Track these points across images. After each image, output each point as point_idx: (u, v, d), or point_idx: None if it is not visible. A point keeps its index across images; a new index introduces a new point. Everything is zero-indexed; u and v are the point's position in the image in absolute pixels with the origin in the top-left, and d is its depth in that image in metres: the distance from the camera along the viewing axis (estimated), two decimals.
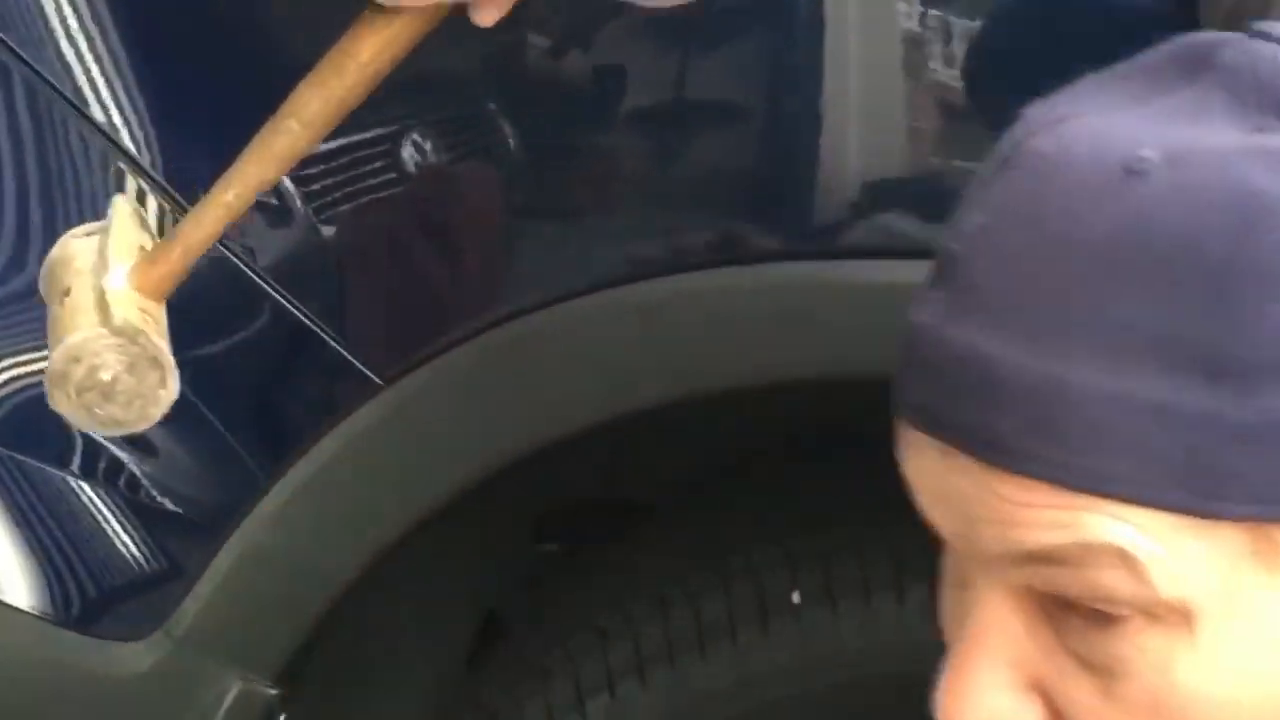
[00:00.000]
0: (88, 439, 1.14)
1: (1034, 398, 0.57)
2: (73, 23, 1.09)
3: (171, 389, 0.85)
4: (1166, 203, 0.57)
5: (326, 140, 0.91)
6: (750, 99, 1.05)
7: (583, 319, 1.03)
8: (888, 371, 0.87)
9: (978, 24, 1.00)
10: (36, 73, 1.10)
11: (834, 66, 1.01)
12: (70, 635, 1.11)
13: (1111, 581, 0.58)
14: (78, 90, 1.10)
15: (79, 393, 0.85)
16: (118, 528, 1.14)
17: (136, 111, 1.11)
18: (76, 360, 0.84)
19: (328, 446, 1.03)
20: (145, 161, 1.13)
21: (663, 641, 1.11)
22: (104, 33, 1.11)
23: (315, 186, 1.05)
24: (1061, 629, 0.62)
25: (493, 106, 1.06)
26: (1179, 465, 0.57)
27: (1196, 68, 0.61)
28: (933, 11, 1.00)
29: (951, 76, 1.01)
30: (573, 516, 1.37)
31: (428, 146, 1.06)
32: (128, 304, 0.85)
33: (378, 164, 1.05)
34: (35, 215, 1.12)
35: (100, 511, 1.14)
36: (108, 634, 1.12)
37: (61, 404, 0.85)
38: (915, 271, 0.84)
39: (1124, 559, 0.57)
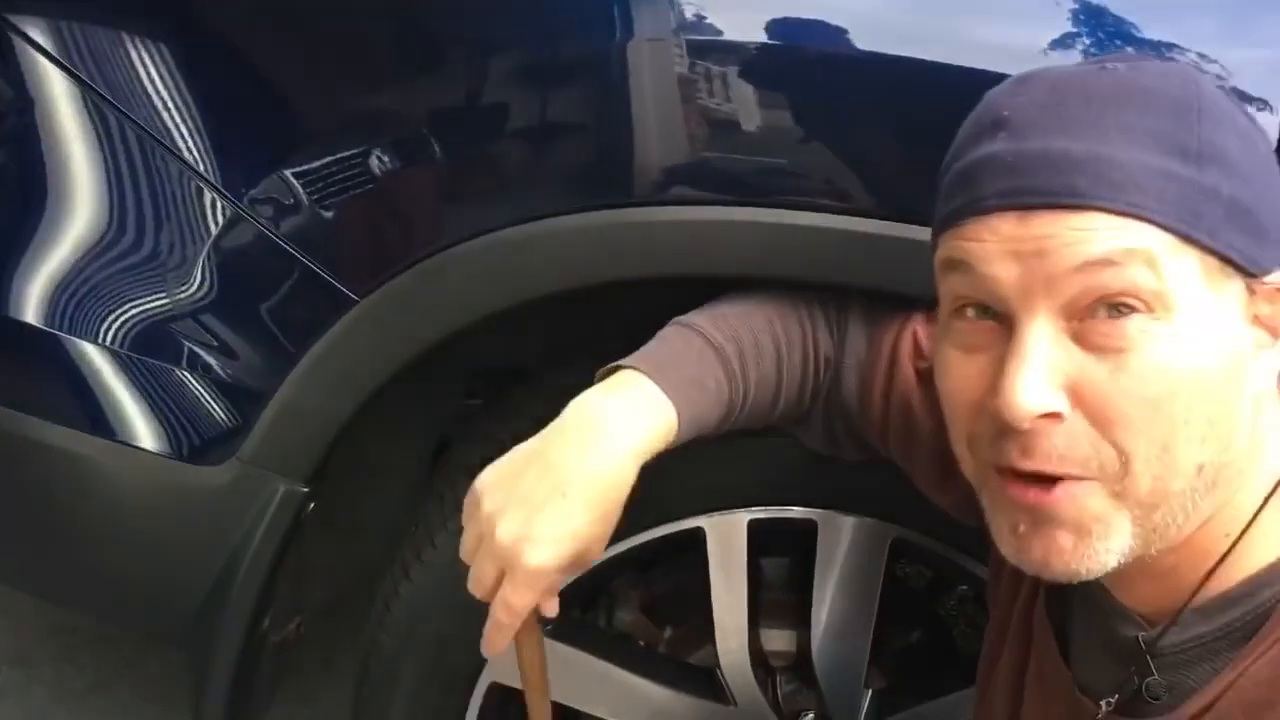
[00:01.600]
0: (189, 348, 1.39)
1: (1094, 164, 0.81)
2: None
3: None
4: (1137, 77, 0.85)
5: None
6: (583, 113, 1.26)
7: (485, 248, 1.28)
8: (666, 275, 1.22)
9: (726, 70, 1.19)
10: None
11: (637, 91, 1.22)
12: (177, 464, 1.42)
13: (1139, 277, 0.81)
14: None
15: None
16: (207, 395, 1.41)
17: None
18: None
19: (330, 334, 1.31)
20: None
21: None
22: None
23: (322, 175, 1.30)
24: (1083, 335, 0.83)
25: (428, 127, 1.28)
26: (1177, 205, 0.82)
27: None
28: (696, 61, 1.20)
29: (710, 101, 1.21)
30: (489, 378, 1.64)
31: (388, 158, 1.29)
32: None
33: (357, 169, 1.29)
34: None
35: (197, 386, 1.41)
36: (205, 462, 1.42)
37: None
38: (692, 214, 1.22)
39: (1148, 260, 0.81)
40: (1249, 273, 0.85)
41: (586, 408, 1.11)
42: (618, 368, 1.14)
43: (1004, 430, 0.85)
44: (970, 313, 0.88)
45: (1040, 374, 0.82)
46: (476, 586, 1.07)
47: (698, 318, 1.19)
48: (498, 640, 1.09)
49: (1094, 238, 0.81)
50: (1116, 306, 0.82)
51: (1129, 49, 1.19)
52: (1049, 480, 0.85)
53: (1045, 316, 0.83)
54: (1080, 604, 1.02)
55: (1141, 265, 0.81)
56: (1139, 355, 0.82)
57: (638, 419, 1.10)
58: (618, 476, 1.07)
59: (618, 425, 1.09)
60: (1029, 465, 0.85)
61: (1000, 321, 0.87)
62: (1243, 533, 0.88)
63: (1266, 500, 0.89)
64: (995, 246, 0.84)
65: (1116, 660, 0.97)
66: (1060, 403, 0.83)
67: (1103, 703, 0.96)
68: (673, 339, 1.18)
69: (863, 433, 1.26)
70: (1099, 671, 0.99)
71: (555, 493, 1.05)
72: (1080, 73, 0.86)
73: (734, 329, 1.18)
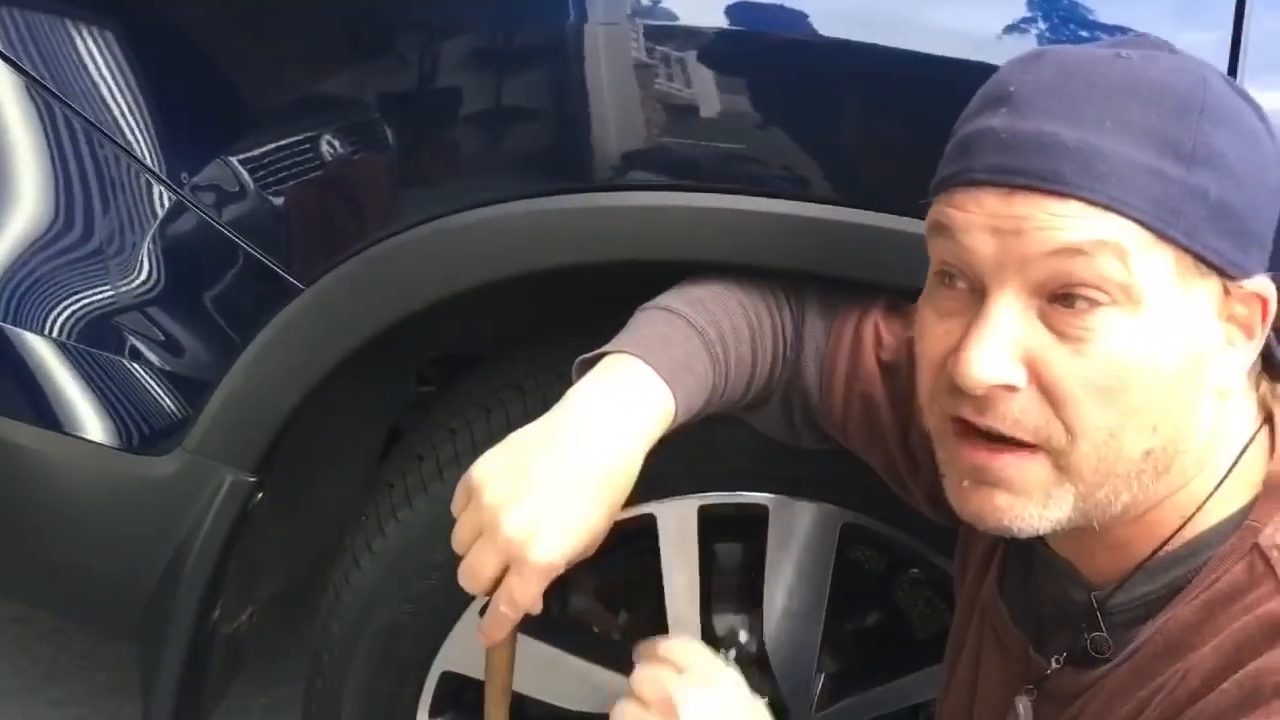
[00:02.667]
0: (134, 338, 1.38)
1: (1083, 153, 0.82)
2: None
3: None
4: (1148, 69, 0.84)
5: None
6: (536, 99, 1.26)
7: (434, 234, 1.27)
8: (619, 261, 1.22)
9: (685, 55, 1.19)
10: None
11: (592, 76, 1.22)
12: (124, 455, 1.42)
13: (1108, 269, 0.82)
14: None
15: None
16: (153, 385, 1.41)
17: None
18: None
19: (276, 322, 1.31)
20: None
21: (487, 433, 1.37)
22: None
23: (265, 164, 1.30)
24: (1048, 315, 0.84)
25: (378, 113, 1.27)
26: (1158, 202, 0.82)
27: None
28: (654, 46, 1.20)
29: (666, 86, 1.21)
30: (443, 364, 1.65)
31: (338, 144, 1.28)
32: None
33: (303, 155, 1.29)
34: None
35: (142, 376, 1.40)
36: (148, 452, 1.42)
37: None
38: (647, 200, 1.22)
39: (1119, 253, 0.82)
40: (1226, 274, 0.86)
41: (592, 394, 1.07)
42: (602, 354, 1.11)
43: (961, 389, 0.88)
44: (949, 279, 0.90)
45: (1000, 346, 0.85)
46: (473, 579, 1.02)
47: (675, 301, 1.18)
48: (497, 633, 1.05)
49: (1069, 225, 0.83)
50: (1084, 297, 0.83)
51: (1083, 33, 1.19)
52: (999, 441, 0.88)
53: (1014, 292, 0.85)
54: (1042, 573, 1.05)
55: (1111, 257, 0.82)
56: (1098, 345, 0.84)
57: (643, 404, 1.08)
58: (632, 464, 1.05)
59: (627, 412, 1.06)
60: (982, 421, 0.88)
61: (974, 290, 0.89)
62: (1194, 513, 0.91)
63: (1219, 485, 0.91)
64: (978, 218, 0.85)
65: (1071, 623, 0.99)
66: (1017, 375, 0.85)
67: (1053, 659, 1.00)
68: (656, 323, 1.15)
69: (823, 423, 1.25)
70: (1055, 634, 1.02)
71: (573, 482, 1.01)
72: (1093, 58, 0.86)
73: (712, 313, 1.17)
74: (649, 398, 1.08)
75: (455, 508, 1.04)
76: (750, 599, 1.52)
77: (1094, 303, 0.83)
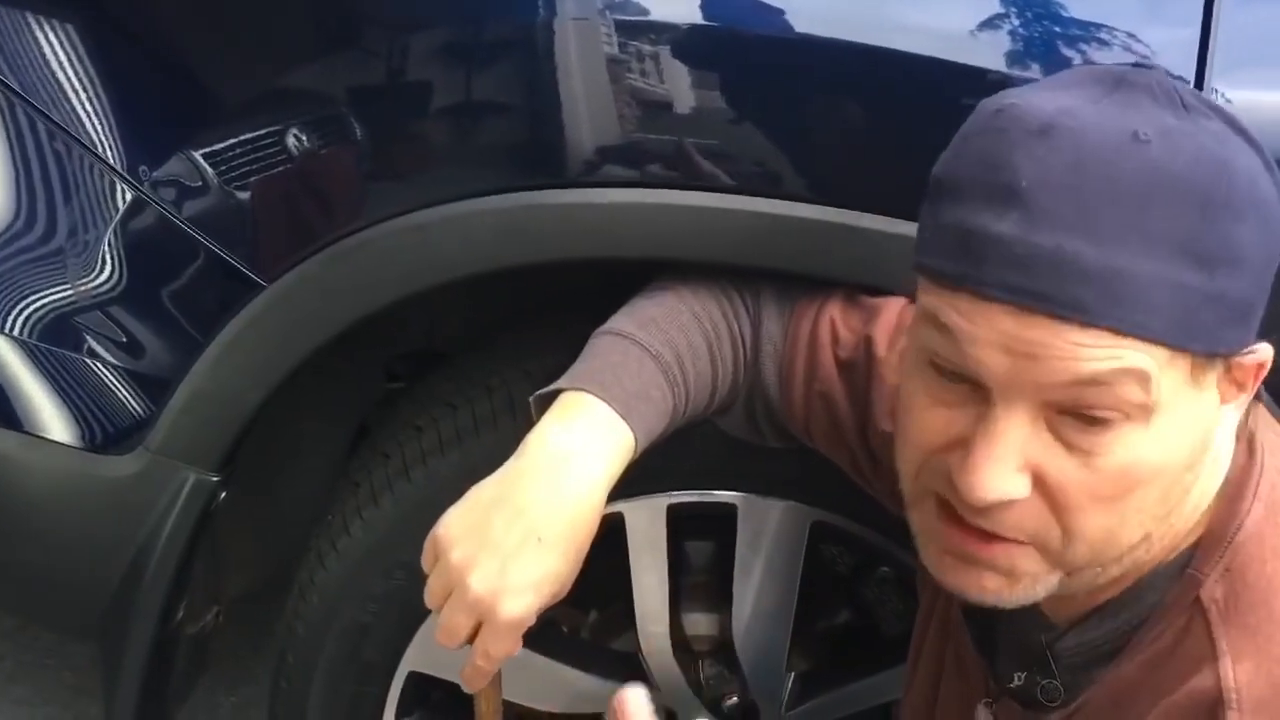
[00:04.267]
0: (95, 336, 1.37)
1: (1106, 279, 0.76)
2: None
3: None
4: (1168, 160, 0.77)
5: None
6: (506, 94, 1.25)
7: (400, 230, 1.26)
8: (578, 258, 1.22)
9: (657, 49, 1.19)
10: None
11: (563, 72, 1.21)
12: (85, 454, 1.41)
13: (1129, 394, 0.79)
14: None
15: None
16: (114, 384, 1.40)
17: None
18: None
19: (239, 319, 1.30)
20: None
21: (453, 431, 1.39)
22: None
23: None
24: (1058, 427, 0.81)
25: (347, 108, 1.26)
26: (1181, 319, 0.78)
27: (1115, 83, 0.81)
28: (624, 40, 1.20)
29: (638, 82, 1.21)
30: (411, 361, 1.64)
31: (303, 138, 1.27)
32: None
33: (266, 150, 1.28)
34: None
35: (103, 375, 1.39)
36: (109, 451, 1.40)
37: None
38: (617, 197, 1.21)
39: (1142, 379, 0.79)
40: (1233, 354, 0.85)
41: (545, 443, 1.06)
42: (558, 391, 1.10)
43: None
44: (947, 373, 0.86)
45: (1009, 464, 0.82)
46: (448, 637, 1.03)
47: (626, 324, 1.16)
48: (477, 682, 1.06)
49: (1091, 355, 0.79)
50: (1101, 419, 0.81)
51: (1056, 28, 1.19)
52: (988, 533, 0.86)
53: (1024, 409, 0.82)
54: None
55: (1134, 383, 0.80)
56: (1110, 458, 0.82)
57: (600, 447, 1.06)
58: (589, 511, 1.05)
59: (582, 458, 1.05)
60: (974, 521, 0.86)
61: (976, 389, 0.85)
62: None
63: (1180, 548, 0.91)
64: (989, 335, 0.81)
65: (1026, 658, 0.99)
66: (1022, 488, 0.83)
67: (1012, 679, 1.00)
68: (608, 352, 1.14)
69: (785, 423, 1.25)
70: (1011, 664, 1.02)
71: (529, 538, 1.01)
72: (1109, 145, 0.79)
73: (666, 332, 1.15)
74: (606, 438, 1.07)
75: (425, 564, 1.05)
76: (719, 598, 1.52)
77: (1109, 422, 0.81)
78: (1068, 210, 0.78)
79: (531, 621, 1.03)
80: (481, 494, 1.04)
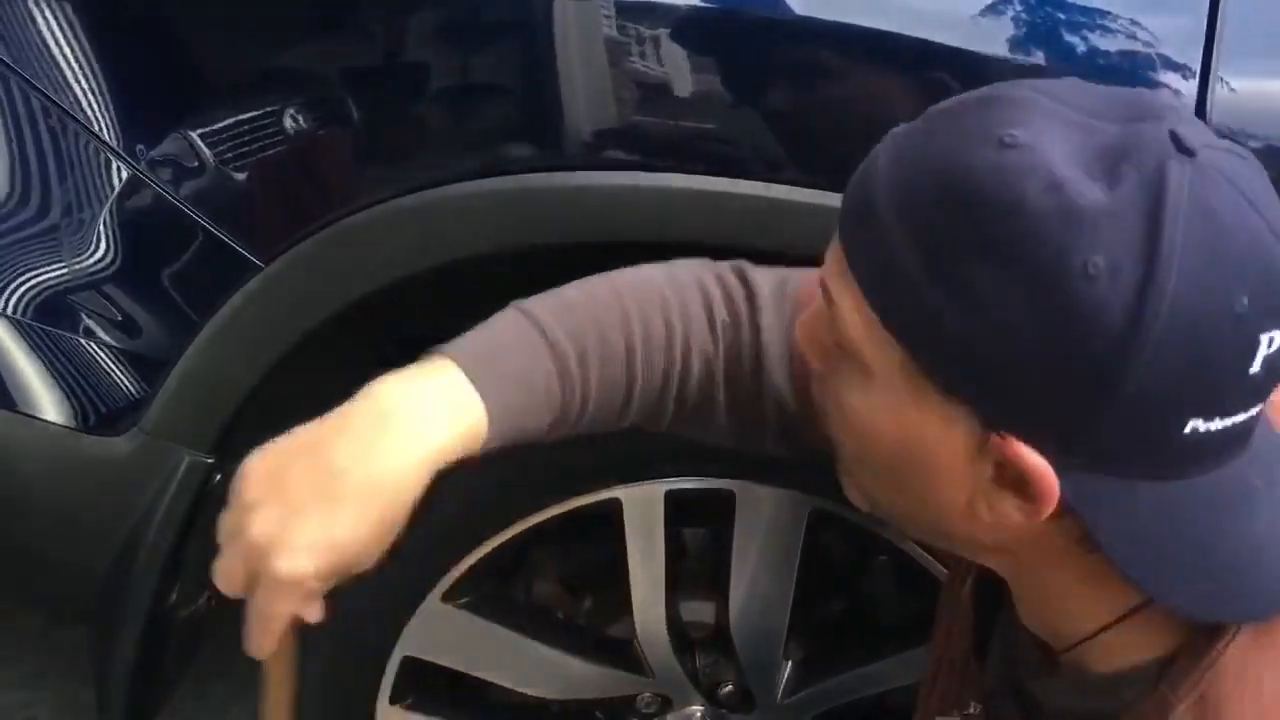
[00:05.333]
0: (90, 315, 1.37)
1: (863, 209, 0.78)
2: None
3: None
4: (989, 164, 0.73)
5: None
6: (505, 74, 1.25)
7: (398, 212, 1.26)
8: (579, 242, 1.22)
9: (658, 31, 1.18)
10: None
11: (562, 52, 1.21)
12: (78, 434, 1.39)
13: (845, 329, 0.80)
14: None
15: None
16: (108, 364, 1.38)
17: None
18: None
19: (235, 300, 1.29)
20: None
21: None
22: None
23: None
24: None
25: (345, 88, 1.26)
26: (888, 294, 0.77)
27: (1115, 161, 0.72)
28: (624, 22, 1.20)
29: (639, 64, 1.21)
30: (405, 345, 1.61)
31: (301, 119, 1.27)
32: None
33: (264, 129, 1.27)
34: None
35: (98, 355, 1.38)
36: (102, 432, 1.39)
37: None
38: (617, 179, 1.21)
39: (853, 321, 0.80)
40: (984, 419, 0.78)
41: (377, 398, 0.93)
42: (435, 352, 0.98)
43: None
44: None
45: (814, 327, 0.88)
46: (224, 583, 0.90)
47: (540, 306, 1.02)
48: (261, 644, 0.91)
49: (839, 273, 0.82)
50: (841, 344, 0.83)
51: (1060, 14, 1.19)
52: None
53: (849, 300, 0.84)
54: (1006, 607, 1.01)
55: (845, 319, 0.81)
56: (836, 380, 0.85)
57: (435, 418, 0.92)
58: (399, 484, 0.90)
59: (409, 425, 0.91)
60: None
61: None
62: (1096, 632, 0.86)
63: (1115, 622, 0.85)
64: (835, 263, 0.84)
65: (1011, 679, 0.97)
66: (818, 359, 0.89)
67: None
68: (504, 327, 1.01)
69: (805, 435, 1.09)
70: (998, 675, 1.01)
71: (320, 497, 0.88)
72: (955, 148, 0.76)
73: (579, 323, 1.01)
74: (450, 411, 0.93)
75: (229, 497, 0.92)
76: (716, 585, 1.51)
77: (846, 353, 0.83)
78: (892, 159, 0.80)
79: (311, 585, 0.88)
80: (295, 438, 0.92)
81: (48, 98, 1.31)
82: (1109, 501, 0.76)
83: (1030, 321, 0.71)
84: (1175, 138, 0.71)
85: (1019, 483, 0.77)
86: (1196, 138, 0.71)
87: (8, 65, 1.31)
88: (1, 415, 1.40)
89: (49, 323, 1.38)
